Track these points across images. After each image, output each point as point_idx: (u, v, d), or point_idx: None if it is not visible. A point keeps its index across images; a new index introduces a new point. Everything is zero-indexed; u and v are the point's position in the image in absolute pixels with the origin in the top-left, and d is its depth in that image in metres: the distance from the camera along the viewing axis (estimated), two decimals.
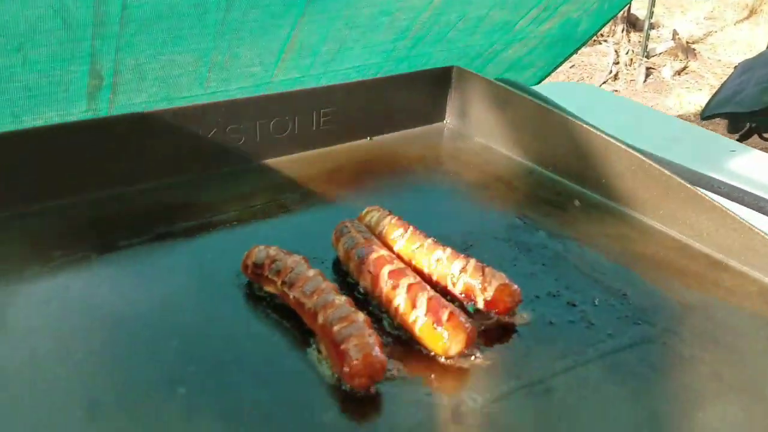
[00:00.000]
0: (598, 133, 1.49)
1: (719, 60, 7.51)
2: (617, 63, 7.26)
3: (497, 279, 1.08)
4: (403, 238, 1.18)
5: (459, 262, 1.11)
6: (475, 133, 1.80)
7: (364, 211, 1.28)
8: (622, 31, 7.57)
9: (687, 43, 7.71)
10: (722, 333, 1.10)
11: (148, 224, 1.30)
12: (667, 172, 1.37)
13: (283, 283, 1.06)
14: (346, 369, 0.91)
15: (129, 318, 1.04)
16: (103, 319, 1.04)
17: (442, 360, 0.99)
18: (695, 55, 7.60)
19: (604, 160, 1.49)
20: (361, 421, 0.90)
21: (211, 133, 1.49)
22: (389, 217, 1.23)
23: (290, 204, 1.42)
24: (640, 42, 7.48)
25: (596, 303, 1.15)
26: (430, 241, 1.17)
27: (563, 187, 1.56)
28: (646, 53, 7.43)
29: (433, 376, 0.97)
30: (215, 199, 1.41)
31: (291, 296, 1.04)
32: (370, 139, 1.75)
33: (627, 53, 7.36)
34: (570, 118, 1.54)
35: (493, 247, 1.31)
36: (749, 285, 1.23)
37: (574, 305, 1.15)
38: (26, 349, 0.97)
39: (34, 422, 0.86)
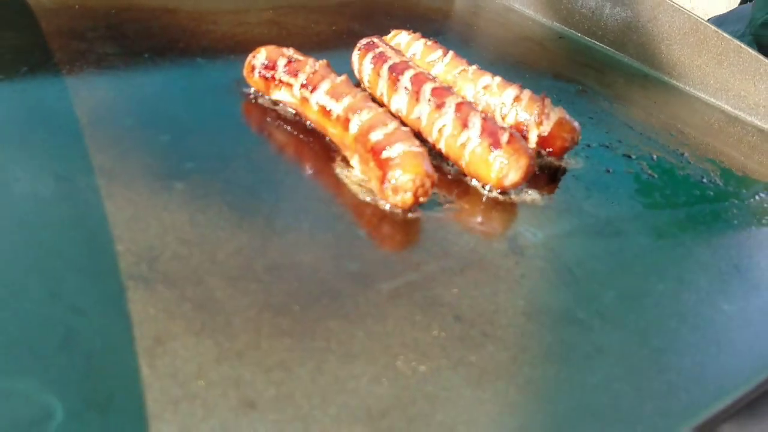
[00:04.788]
0: None
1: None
2: None
3: (557, 112, 0.91)
4: (442, 62, 0.99)
5: (512, 90, 0.93)
6: None
7: (390, 34, 1.07)
8: None
9: None
10: None
11: (121, 25, 1.05)
12: (725, 34, 1.21)
13: (303, 85, 0.85)
14: (390, 179, 0.73)
15: (112, 113, 0.82)
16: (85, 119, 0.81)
17: (492, 193, 0.83)
18: None
19: (650, 21, 1.32)
20: (404, 239, 0.72)
21: None
22: (423, 40, 1.03)
23: (291, 27, 1.19)
24: None
25: (654, 158, 1.00)
26: (474, 66, 0.98)
27: (600, 53, 1.39)
28: None
29: (481, 208, 0.81)
30: (203, 10, 1.17)
31: (312, 102, 0.84)
32: None
33: None
34: None
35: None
36: None
37: (630, 157, 0.99)
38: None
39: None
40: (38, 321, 0.51)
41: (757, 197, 0.96)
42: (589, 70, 1.29)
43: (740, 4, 4.34)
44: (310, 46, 1.14)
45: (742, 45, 1.20)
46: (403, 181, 0.73)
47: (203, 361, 0.50)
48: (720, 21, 3.62)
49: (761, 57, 1.18)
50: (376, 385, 0.52)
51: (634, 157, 0.99)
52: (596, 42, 1.41)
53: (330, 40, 1.17)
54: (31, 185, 0.65)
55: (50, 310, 0.53)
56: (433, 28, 1.37)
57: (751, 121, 1.20)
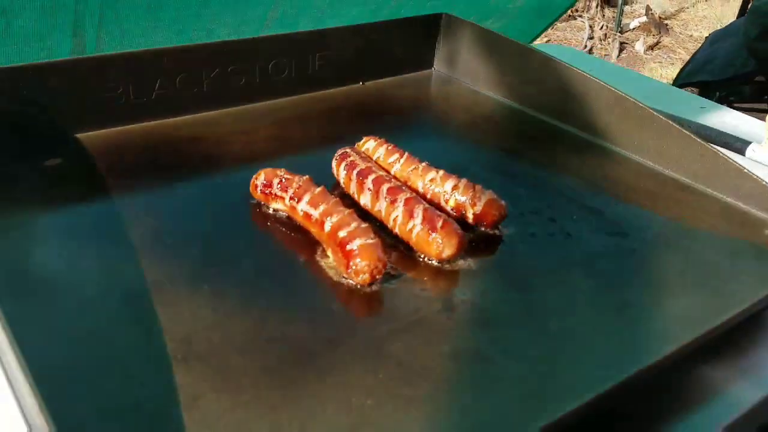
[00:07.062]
0: (578, 71, 1.60)
1: (691, 35, 7.59)
2: (592, 38, 7.30)
3: (486, 195, 1.20)
4: (399, 163, 1.29)
5: (451, 181, 1.22)
6: (463, 78, 1.90)
7: (361, 141, 1.38)
8: (597, 6, 7.61)
9: (660, 18, 7.78)
10: (687, 242, 1.23)
11: (158, 156, 1.39)
12: (641, 104, 1.48)
13: (291, 198, 1.16)
14: (352, 266, 1.02)
15: (156, 233, 1.14)
16: (136, 236, 1.14)
17: (435, 264, 1.11)
18: (668, 30, 7.68)
19: (583, 96, 1.60)
20: (365, 309, 1.01)
21: (213, 73, 1.57)
22: (385, 145, 1.34)
23: (289, 139, 1.52)
24: (614, 17, 7.52)
25: (574, 218, 1.27)
26: (423, 164, 1.28)
27: (545, 124, 1.67)
28: (619, 28, 7.47)
29: (426, 277, 1.09)
30: (220, 134, 1.50)
31: (299, 209, 1.15)
32: (363, 83, 1.85)
33: (601, 28, 7.41)
34: (551, 57, 1.65)
35: (481, 174, 1.42)
36: (712, 205, 1.36)
37: (554, 220, 1.26)
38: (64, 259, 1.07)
39: (76, 309, 0.96)
40: None
41: (653, 236, 1.22)
42: (535, 142, 1.57)
43: (737, 17, 4.55)
44: (303, 154, 1.46)
45: (654, 113, 1.46)
46: (361, 266, 1.02)
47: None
48: (718, 37, 3.84)
49: (670, 122, 1.44)
50: (336, 415, 0.81)
51: (557, 219, 1.27)
52: (543, 115, 1.70)
53: (317, 147, 1.49)
54: (102, 300, 0.97)
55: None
56: (416, 116, 1.69)
57: (668, 174, 1.46)
